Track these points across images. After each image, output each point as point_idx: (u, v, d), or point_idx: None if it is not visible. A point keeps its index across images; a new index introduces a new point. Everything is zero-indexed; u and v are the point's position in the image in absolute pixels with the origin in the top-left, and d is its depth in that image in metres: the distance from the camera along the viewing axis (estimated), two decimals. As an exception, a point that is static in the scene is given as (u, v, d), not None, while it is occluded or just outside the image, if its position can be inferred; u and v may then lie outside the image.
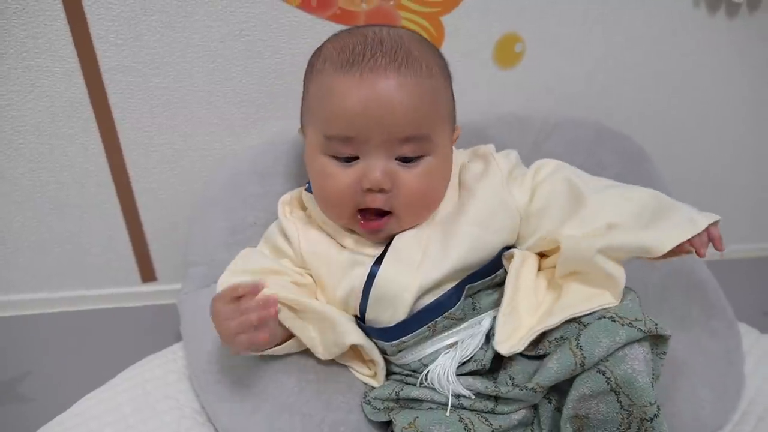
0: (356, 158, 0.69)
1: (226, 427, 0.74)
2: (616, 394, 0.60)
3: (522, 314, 0.68)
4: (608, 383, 0.60)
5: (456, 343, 0.71)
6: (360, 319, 0.74)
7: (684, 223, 0.66)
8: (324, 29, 0.91)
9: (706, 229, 0.65)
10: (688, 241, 0.65)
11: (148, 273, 1.04)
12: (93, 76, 0.87)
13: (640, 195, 0.71)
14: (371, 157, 0.68)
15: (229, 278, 0.71)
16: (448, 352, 0.70)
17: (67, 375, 0.90)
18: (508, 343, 0.66)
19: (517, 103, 1.03)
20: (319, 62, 0.70)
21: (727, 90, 1.10)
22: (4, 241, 0.98)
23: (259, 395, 0.74)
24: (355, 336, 0.71)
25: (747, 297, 0.92)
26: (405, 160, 0.69)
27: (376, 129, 0.66)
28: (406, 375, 0.73)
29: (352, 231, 0.74)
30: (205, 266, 0.86)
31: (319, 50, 0.72)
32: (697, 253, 0.65)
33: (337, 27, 0.89)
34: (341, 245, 0.74)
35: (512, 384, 0.66)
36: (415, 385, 0.71)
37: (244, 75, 0.93)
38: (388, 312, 0.70)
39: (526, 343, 0.66)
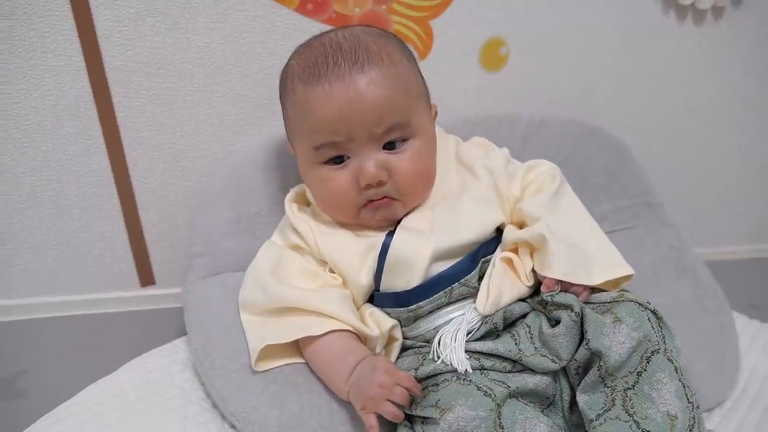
0: (347, 158, 0.72)
1: (234, 410, 0.73)
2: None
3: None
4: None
5: None
6: (376, 289, 0.75)
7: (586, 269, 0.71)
8: (320, 32, 0.95)
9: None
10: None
11: (147, 277, 1.04)
12: (97, 76, 0.90)
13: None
14: (360, 154, 0.71)
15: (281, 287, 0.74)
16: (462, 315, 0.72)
17: (65, 375, 0.88)
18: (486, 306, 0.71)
19: (503, 104, 1.08)
20: (289, 82, 0.74)
21: (696, 92, 1.17)
22: (3, 242, 0.97)
23: (265, 377, 0.74)
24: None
25: (734, 292, 0.96)
26: (392, 147, 0.73)
27: (356, 128, 0.70)
28: (420, 346, 0.74)
29: None
30: (210, 256, 0.87)
31: (286, 69, 0.76)
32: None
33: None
34: (354, 233, 0.77)
35: (529, 338, 0.69)
36: (429, 354, 0.71)
37: (243, 76, 0.96)
38: (404, 277, 0.72)
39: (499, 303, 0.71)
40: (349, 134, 0.70)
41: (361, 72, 0.69)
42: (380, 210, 0.74)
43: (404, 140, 0.73)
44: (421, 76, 0.78)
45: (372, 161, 0.71)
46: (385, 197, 0.73)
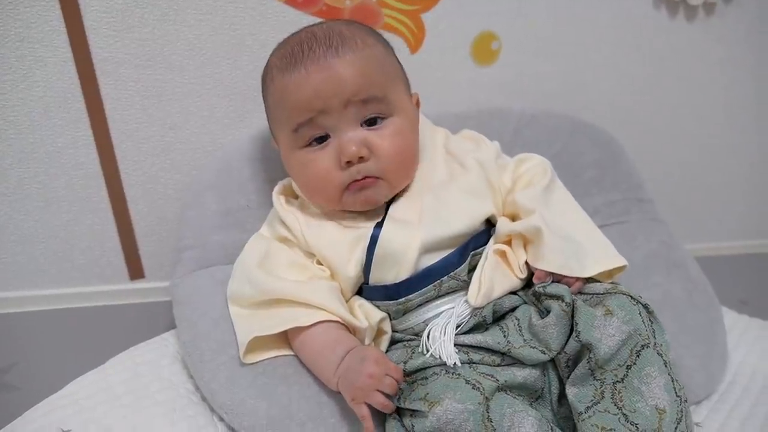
0: (328, 137, 0.73)
1: (223, 402, 0.73)
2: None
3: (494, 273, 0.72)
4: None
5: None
6: (365, 282, 0.75)
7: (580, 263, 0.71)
8: (309, 24, 0.94)
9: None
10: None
11: (136, 270, 1.03)
12: (85, 67, 0.89)
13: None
14: (340, 131, 0.72)
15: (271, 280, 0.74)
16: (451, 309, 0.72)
17: (53, 368, 0.88)
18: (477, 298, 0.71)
19: (495, 98, 1.08)
20: (268, 75, 0.75)
21: (688, 87, 1.17)
22: (-10, 235, 0.97)
23: (254, 369, 0.74)
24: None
25: (725, 287, 0.97)
26: (371, 123, 0.73)
27: (332, 100, 0.70)
28: (409, 340, 0.74)
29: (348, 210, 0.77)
30: (199, 249, 0.87)
31: (266, 66, 0.77)
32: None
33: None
34: (342, 225, 0.77)
35: (518, 330, 0.69)
36: (418, 347, 0.71)
37: (233, 68, 0.95)
38: (393, 270, 0.72)
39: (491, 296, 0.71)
40: (325, 106, 0.70)
41: (336, 56, 0.70)
42: (363, 191, 0.74)
43: (383, 118, 0.73)
44: (399, 62, 0.79)
45: (352, 138, 0.71)
46: (367, 177, 0.73)
